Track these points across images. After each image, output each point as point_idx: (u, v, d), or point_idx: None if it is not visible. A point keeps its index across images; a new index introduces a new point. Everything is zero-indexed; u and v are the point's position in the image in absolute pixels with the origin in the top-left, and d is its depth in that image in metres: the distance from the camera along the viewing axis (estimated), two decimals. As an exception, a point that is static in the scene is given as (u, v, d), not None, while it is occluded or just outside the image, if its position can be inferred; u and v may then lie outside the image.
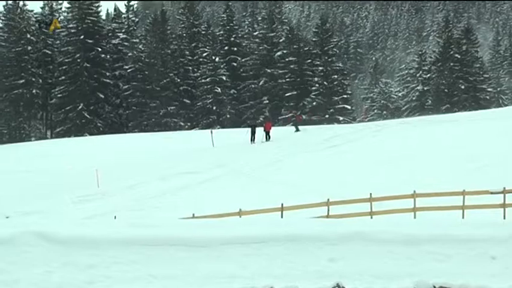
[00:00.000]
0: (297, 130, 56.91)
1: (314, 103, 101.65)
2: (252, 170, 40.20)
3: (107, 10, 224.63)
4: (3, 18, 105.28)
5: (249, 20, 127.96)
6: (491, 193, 25.98)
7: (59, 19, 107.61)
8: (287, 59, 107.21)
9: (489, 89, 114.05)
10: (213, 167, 41.49)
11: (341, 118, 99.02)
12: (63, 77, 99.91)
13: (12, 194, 38.83)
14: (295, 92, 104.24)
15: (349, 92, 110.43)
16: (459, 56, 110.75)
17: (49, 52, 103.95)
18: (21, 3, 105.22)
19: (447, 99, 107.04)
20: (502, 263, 13.21)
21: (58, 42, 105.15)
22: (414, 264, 12.93)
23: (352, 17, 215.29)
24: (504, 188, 25.37)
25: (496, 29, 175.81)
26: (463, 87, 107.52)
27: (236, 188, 35.36)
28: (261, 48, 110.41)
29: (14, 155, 57.93)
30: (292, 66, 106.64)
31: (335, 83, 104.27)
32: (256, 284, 11.84)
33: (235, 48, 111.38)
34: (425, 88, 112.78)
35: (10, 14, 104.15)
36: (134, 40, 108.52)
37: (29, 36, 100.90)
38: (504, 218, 23.93)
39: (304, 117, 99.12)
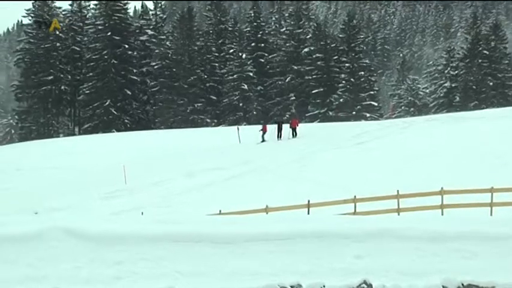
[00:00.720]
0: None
1: (341, 100, 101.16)
2: (278, 166, 40.12)
3: (135, 7, 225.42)
4: (32, 15, 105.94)
5: (276, 16, 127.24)
6: (520, 190, 25.83)
7: (88, 16, 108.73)
8: (314, 56, 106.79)
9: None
10: (239, 164, 41.44)
11: (368, 115, 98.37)
12: (91, 74, 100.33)
13: (41, 190, 39.13)
14: (322, 89, 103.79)
15: (376, 89, 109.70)
16: (487, 53, 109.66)
17: (77, 49, 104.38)
18: (49, 1, 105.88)
19: (475, 96, 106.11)
20: (531, 261, 13.11)
21: (86, 39, 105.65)
22: (441, 262, 12.87)
23: (380, 13, 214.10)
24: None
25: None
26: (491, 84, 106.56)
27: (262, 184, 35.36)
28: (288, 44, 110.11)
29: (42, 151, 58.31)
30: (319, 62, 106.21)
31: (362, 79, 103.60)
32: (282, 281, 11.84)
33: (262, 45, 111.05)
34: (453, 85, 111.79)
35: (39, 10, 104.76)
36: (161, 37, 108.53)
37: (57, 32, 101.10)
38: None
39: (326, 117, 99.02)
